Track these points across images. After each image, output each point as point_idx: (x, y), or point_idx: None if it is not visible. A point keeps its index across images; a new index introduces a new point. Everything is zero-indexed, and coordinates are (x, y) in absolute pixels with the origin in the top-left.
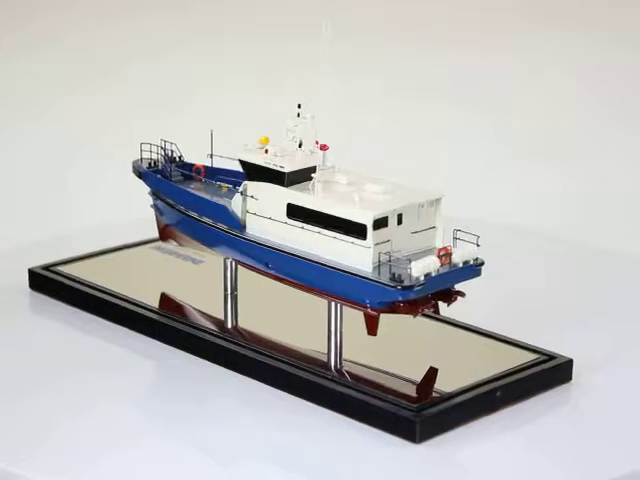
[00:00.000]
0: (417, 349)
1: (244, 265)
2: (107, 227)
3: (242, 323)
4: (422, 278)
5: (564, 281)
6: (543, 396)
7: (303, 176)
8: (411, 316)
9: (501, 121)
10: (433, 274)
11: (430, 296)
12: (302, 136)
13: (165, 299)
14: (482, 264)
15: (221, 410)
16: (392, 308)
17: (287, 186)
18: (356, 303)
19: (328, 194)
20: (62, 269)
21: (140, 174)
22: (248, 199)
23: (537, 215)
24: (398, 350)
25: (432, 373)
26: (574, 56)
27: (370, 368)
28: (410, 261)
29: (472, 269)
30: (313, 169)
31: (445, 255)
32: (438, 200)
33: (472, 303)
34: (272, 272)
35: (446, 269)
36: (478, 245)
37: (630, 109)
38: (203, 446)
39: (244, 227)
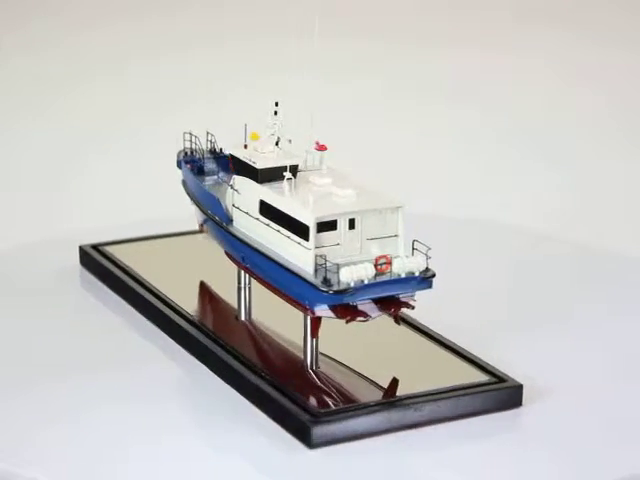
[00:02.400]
0: (382, 355)
1: (230, 257)
2: (107, 227)
3: (256, 315)
4: (352, 284)
5: (563, 284)
6: (480, 419)
7: (281, 174)
8: (370, 321)
9: (501, 121)
10: (366, 281)
11: (378, 304)
12: (280, 134)
13: (203, 288)
14: (432, 276)
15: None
16: (324, 312)
17: (260, 182)
18: (300, 304)
19: (293, 194)
20: (109, 249)
21: (178, 163)
22: (234, 193)
23: (537, 215)
24: (366, 354)
25: (394, 384)
26: (574, 56)
27: (344, 369)
28: (339, 266)
29: (416, 281)
30: (292, 167)
31: (385, 264)
32: (398, 208)
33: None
34: (248, 267)
35: (386, 278)
36: (429, 257)
37: (630, 109)
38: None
39: (231, 220)
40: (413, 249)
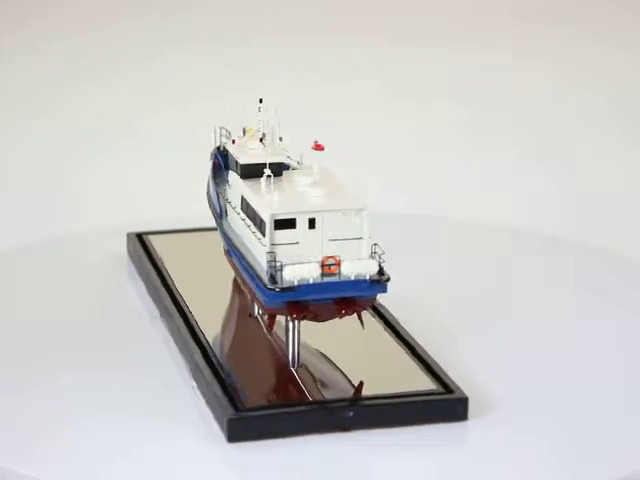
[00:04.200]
0: (351, 354)
1: (225, 252)
2: (107, 227)
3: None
4: (295, 283)
5: (563, 284)
6: (417, 428)
7: (262, 171)
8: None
9: (501, 121)
10: (311, 281)
11: (334, 304)
12: (265, 130)
13: (236, 282)
14: (387, 280)
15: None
16: (276, 309)
17: (242, 178)
18: (259, 301)
19: (266, 190)
20: (151, 239)
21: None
22: (228, 188)
23: (536, 216)
24: (339, 352)
25: (360, 386)
26: (574, 56)
27: (328, 367)
28: (282, 265)
29: (366, 284)
30: (274, 165)
31: (334, 265)
32: (361, 210)
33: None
34: (232, 261)
35: (335, 279)
36: (381, 262)
37: (630, 109)
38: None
39: (226, 214)
40: (372, 253)
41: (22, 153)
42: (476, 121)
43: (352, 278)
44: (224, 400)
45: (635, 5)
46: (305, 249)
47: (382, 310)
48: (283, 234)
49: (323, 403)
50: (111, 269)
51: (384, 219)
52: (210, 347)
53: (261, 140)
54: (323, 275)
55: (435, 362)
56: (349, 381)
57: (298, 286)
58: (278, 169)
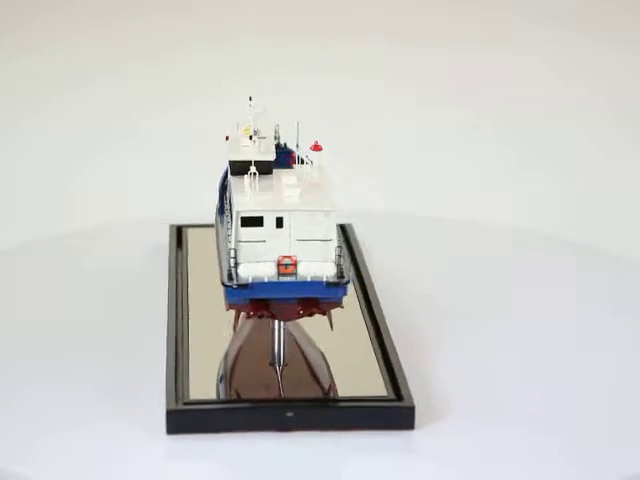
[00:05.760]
0: (327, 354)
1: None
2: (108, 227)
3: None
4: (250, 280)
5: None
6: (359, 434)
7: (257, 168)
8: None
9: (501, 121)
10: (266, 279)
11: (297, 304)
12: (255, 127)
13: None
14: (346, 283)
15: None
16: (238, 306)
17: (232, 174)
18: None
19: (245, 188)
20: (189, 231)
21: None
22: (228, 184)
23: (536, 216)
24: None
25: (329, 389)
26: (574, 56)
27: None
28: (237, 262)
29: (322, 286)
30: (260, 162)
31: (290, 265)
32: (329, 212)
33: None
34: None
35: (291, 279)
36: (340, 264)
37: (630, 109)
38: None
39: (224, 210)
40: (337, 255)
41: (22, 153)
42: (476, 121)
43: (308, 279)
44: (172, 392)
45: (635, 5)
46: (272, 248)
47: (375, 310)
48: (251, 232)
49: (264, 402)
50: (122, 264)
51: (384, 219)
52: (187, 340)
53: (251, 138)
54: (280, 275)
55: (400, 368)
56: (319, 383)
57: (252, 284)
58: (267, 167)
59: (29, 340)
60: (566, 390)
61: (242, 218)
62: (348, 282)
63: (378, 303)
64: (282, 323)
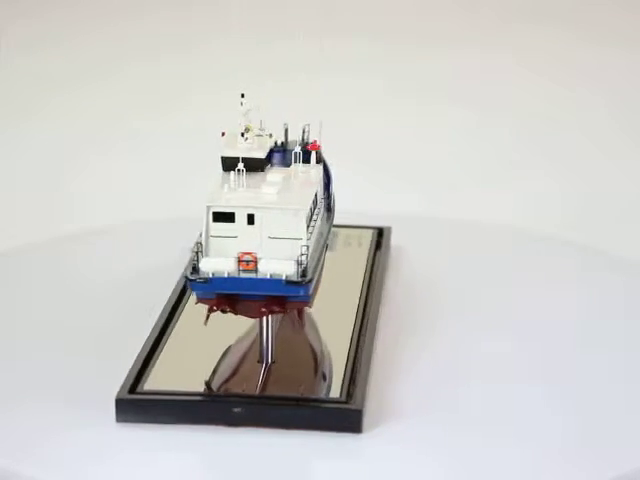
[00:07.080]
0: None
1: None
2: (108, 228)
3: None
4: (210, 275)
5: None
6: (306, 434)
7: (247, 165)
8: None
9: (501, 121)
10: (226, 275)
11: (264, 302)
12: (247, 124)
13: None
14: (308, 282)
15: None
16: (205, 300)
17: (224, 170)
18: None
19: (230, 184)
20: None
21: None
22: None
23: (537, 216)
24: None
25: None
26: (574, 56)
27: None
28: (198, 257)
29: (281, 284)
30: (249, 159)
31: (250, 262)
32: (298, 211)
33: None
34: None
35: (251, 276)
36: (303, 263)
37: (630, 109)
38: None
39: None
40: (302, 254)
41: (22, 153)
42: (476, 121)
43: (268, 276)
44: (128, 381)
45: (635, 5)
46: (243, 244)
47: (368, 309)
48: (223, 227)
49: (214, 396)
50: (122, 264)
51: (384, 219)
52: (168, 336)
53: (242, 135)
54: (240, 271)
55: (363, 370)
56: (302, 382)
57: (212, 279)
58: (258, 164)
59: (29, 341)
60: (566, 390)
61: (214, 213)
62: (310, 281)
63: (377, 303)
64: (270, 321)
